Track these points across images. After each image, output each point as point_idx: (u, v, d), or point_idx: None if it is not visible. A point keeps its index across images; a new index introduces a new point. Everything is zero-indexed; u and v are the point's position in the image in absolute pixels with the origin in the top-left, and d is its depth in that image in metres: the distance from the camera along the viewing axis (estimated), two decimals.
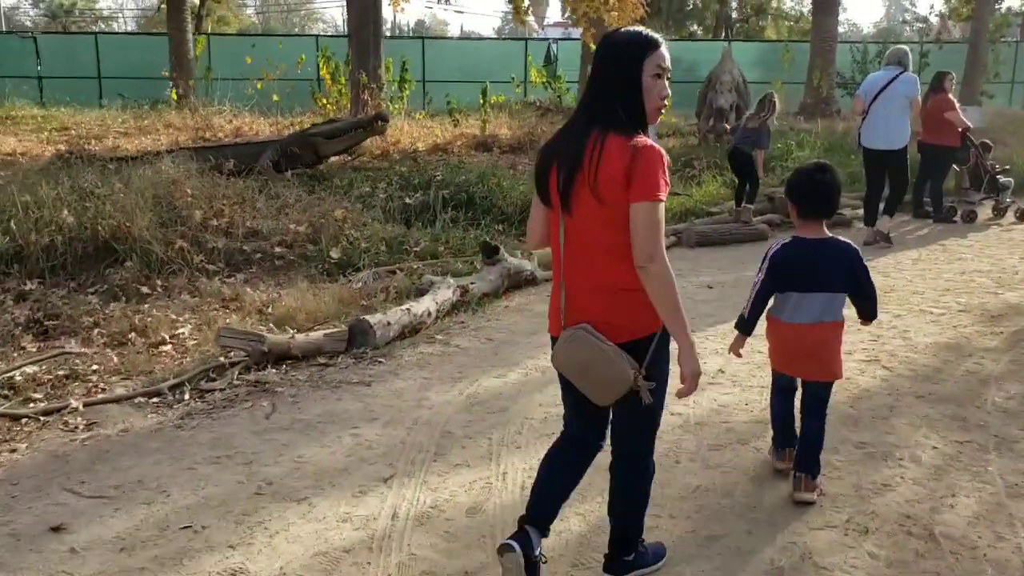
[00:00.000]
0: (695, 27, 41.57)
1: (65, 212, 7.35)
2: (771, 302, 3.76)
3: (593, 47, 21.04)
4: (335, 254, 7.75)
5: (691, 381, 2.72)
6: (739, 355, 3.90)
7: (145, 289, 6.96)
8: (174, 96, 17.89)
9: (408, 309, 6.22)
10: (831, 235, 3.69)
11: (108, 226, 7.39)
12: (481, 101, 17.19)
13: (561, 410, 3.18)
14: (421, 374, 5.57)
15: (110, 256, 7.43)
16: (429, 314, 6.39)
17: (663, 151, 2.66)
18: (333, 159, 13.99)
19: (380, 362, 5.76)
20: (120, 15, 51.42)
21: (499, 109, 20.47)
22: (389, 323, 6.01)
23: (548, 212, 2.86)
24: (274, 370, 5.55)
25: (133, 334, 5.99)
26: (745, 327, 3.78)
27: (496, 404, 5.07)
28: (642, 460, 3.03)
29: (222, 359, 5.60)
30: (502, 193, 10.23)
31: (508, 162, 14.57)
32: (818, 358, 3.70)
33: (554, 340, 2.94)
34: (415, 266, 7.70)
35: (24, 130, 17.57)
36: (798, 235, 3.70)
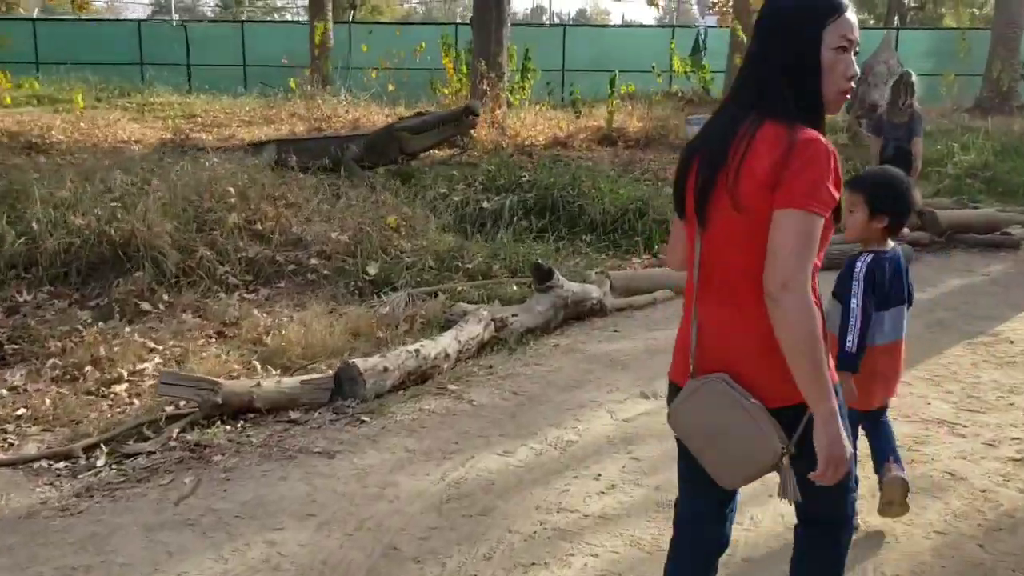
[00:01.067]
0: (865, 15, 38.28)
1: (73, 214, 6.46)
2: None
3: (741, 33, 19.13)
4: (372, 270, 6.57)
5: (831, 468, 1.99)
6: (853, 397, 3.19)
7: (146, 305, 5.99)
8: (292, 85, 17.22)
9: (416, 351, 4.94)
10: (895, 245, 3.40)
11: (121, 230, 6.45)
12: (609, 91, 15.67)
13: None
14: (405, 443, 4.29)
15: (127, 264, 6.51)
16: (446, 356, 5.10)
17: (834, 150, 2.00)
18: (436, 153, 12.93)
19: (363, 421, 4.51)
20: (293, 4, 52.12)
21: (635, 100, 18.88)
22: (386, 369, 4.75)
23: (685, 225, 2.25)
24: (228, 427, 4.40)
25: (90, 367, 4.97)
26: (855, 362, 3.18)
27: (480, 501, 3.73)
28: (838, 526, 2.34)
29: (167, 409, 4.50)
30: (597, 197, 8.78)
31: (627, 159, 13.06)
32: (897, 374, 3.47)
33: (675, 390, 2.24)
34: (460, 288, 6.41)
35: (153, 117, 17.36)
36: (874, 249, 3.31)
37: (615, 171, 11.97)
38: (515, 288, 6.44)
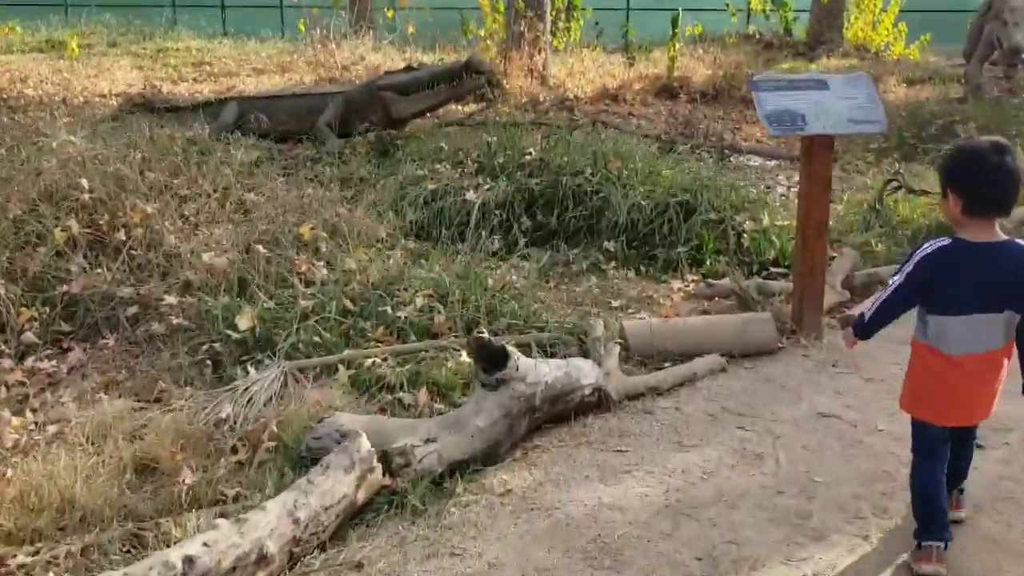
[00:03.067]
0: None
1: None
2: (929, 327, 2.68)
3: None
4: (242, 323, 3.97)
5: None
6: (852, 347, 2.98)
7: None
8: (301, 28, 14.58)
9: (188, 562, 2.37)
10: (1007, 237, 2.62)
11: None
12: (671, 33, 12.65)
13: None
14: None
15: None
16: (261, 559, 2.52)
17: None
18: (457, 108, 10.27)
19: None
20: None
21: (705, 43, 15.75)
22: None
23: None
24: None
25: None
26: (863, 331, 2.85)
27: None
28: None
29: None
30: (629, 184, 6.02)
31: (686, 117, 10.13)
32: (991, 394, 2.71)
33: None
34: (372, 360, 3.79)
35: (162, 64, 14.97)
36: (961, 237, 2.62)
37: (666, 137, 9.12)
38: (462, 362, 3.79)
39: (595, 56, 13.84)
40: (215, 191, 5.65)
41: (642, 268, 5.55)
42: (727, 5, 16.58)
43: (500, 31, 13.22)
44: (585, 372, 3.62)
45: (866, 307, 2.86)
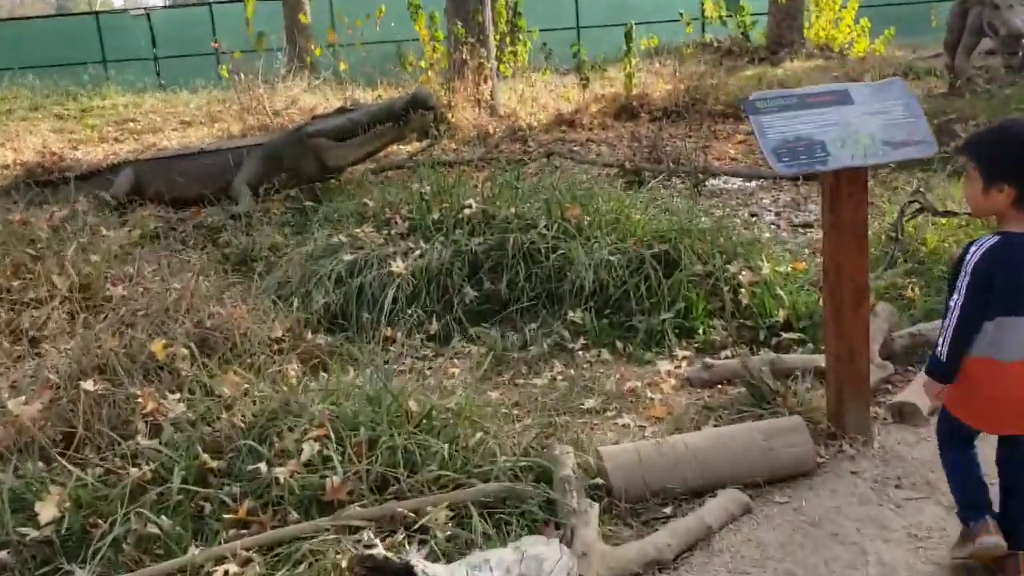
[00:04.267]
0: None
1: None
2: (985, 335, 2.35)
3: None
4: (46, 514, 2.61)
5: None
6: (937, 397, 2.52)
7: None
8: (223, 72, 13.27)
9: None
10: None
11: None
12: (625, 48, 11.46)
13: None
14: None
15: None
16: None
17: None
18: (399, 148, 9.04)
19: None
20: None
21: (662, 56, 14.63)
22: None
23: None
24: None
25: None
26: (945, 373, 2.42)
27: None
28: None
29: None
30: (593, 235, 4.76)
31: (651, 139, 8.93)
32: None
33: None
34: (230, 560, 2.48)
35: (84, 125, 13.60)
36: (1009, 231, 2.34)
37: (631, 166, 7.90)
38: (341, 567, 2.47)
39: (546, 80, 12.65)
40: (72, 291, 4.35)
41: (618, 344, 4.27)
42: (681, 14, 15.49)
43: (442, 60, 12.00)
44: (550, 563, 2.33)
45: (937, 348, 2.42)
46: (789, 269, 4.64)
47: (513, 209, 5.00)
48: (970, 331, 2.36)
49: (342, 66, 12.22)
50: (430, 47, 12.13)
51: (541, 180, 5.83)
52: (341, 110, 7.15)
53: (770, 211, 6.87)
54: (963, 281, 2.35)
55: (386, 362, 3.85)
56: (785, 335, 4.11)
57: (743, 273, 4.49)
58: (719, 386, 3.79)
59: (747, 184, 7.84)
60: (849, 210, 3.04)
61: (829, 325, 3.14)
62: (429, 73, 12.04)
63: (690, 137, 9.74)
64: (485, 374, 3.93)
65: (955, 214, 5.05)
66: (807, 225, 6.26)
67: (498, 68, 11.90)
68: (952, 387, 2.45)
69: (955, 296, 2.37)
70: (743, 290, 4.40)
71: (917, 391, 3.29)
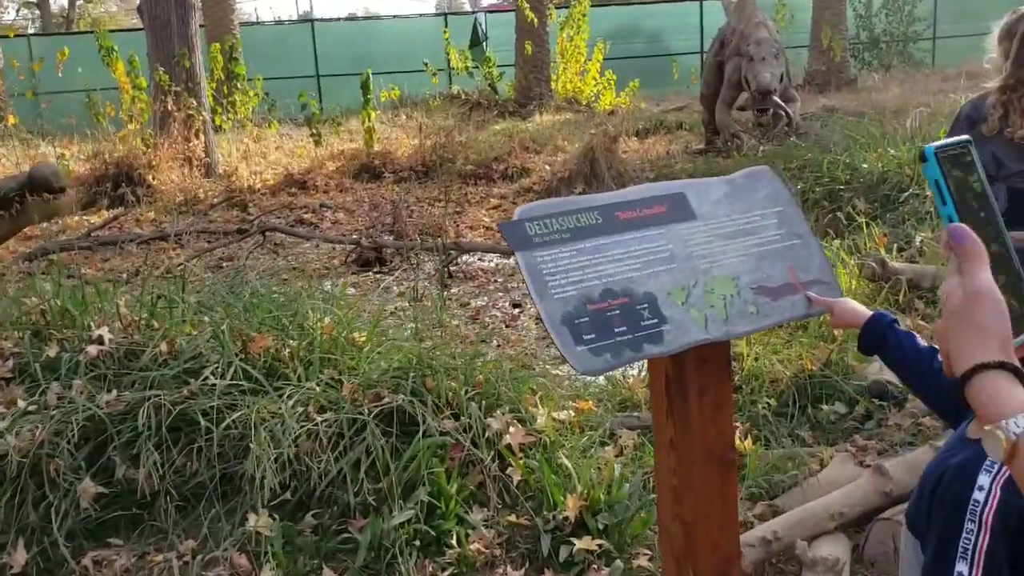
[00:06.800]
0: None
1: None
2: None
3: (530, 15, 13.64)
4: None
5: None
6: None
7: None
8: None
9: None
10: None
11: None
12: (363, 99, 9.91)
13: None
14: None
15: None
16: None
17: None
18: (85, 219, 6.95)
19: None
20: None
21: (407, 108, 13.26)
22: None
23: None
24: None
25: None
26: None
27: None
28: None
29: None
30: (291, 384, 3.09)
31: (389, 206, 7.43)
32: None
33: None
34: None
35: None
36: None
37: (368, 243, 6.35)
38: None
39: (274, 134, 10.83)
40: None
41: (326, 573, 2.62)
42: (426, 64, 14.23)
43: (145, 112, 9.85)
44: None
45: None
46: (572, 415, 3.21)
47: (164, 345, 3.21)
48: None
49: (11, 120, 9.71)
50: (131, 95, 9.93)
51: (232, 280, 4.07)
52: None
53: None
54: None
55: None
56: (578, 543, 2.63)
57: (511, 430, 3.00)
58: None
59: (505, 261, 6.48)
60: (702, 417, 1.60)
61: None
62: (131, 126, 9.85)
63: (439, 201, 8.33)
64: None
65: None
66: None
67: (213, 120, 9.93)
68: None
69: None
70: (512, 461, 2.90)
71: None
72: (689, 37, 18.58)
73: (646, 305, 1.49)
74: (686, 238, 1.61)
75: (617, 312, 1.46)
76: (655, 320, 1.49)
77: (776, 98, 7.87)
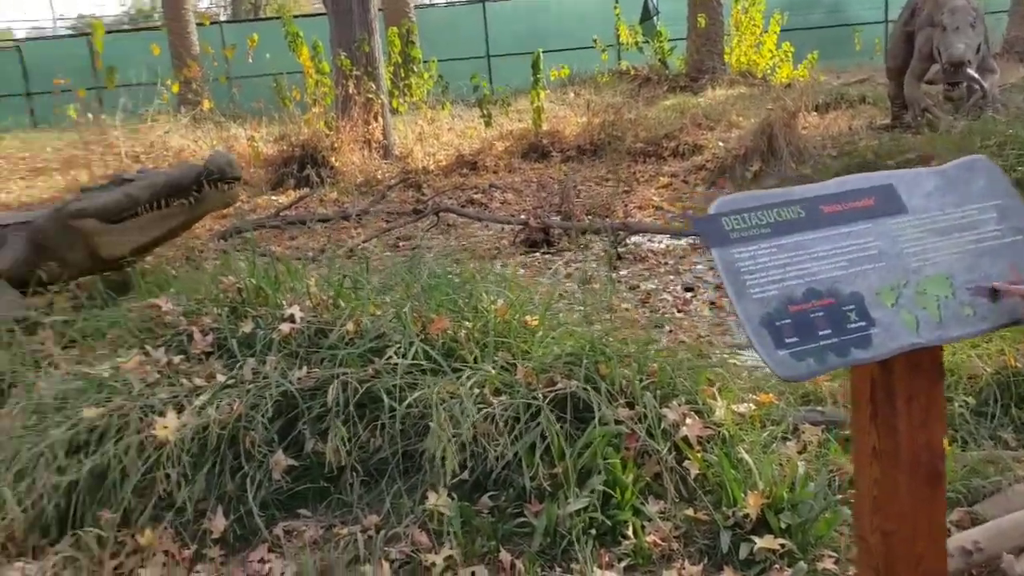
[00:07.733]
0: None
1: None
2: None
3: None
4: None
5: None
6: None
7: None
8: (72, 113, 11.36)
9: None
10: None
11: None
12: (532, 78, 9.97)
13: None
14: None
15: None
16: None
17: None
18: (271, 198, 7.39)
19: None
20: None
21: (575, 86, 13.22)
22: None
23: None
24: None
25: None
26: None
27: None
28: None
29: None
30: (468, 365, 3.16)
31: (561, 187, 7.41)
32: None
33: None
34: None
35: None
36: None
37: (536, 223, 6.38)
38: None
39: (446, 116, 11.07)
40: None
41: (503, 555, 2.67)
42: (595, 41, 14.11)
43: (327, 96, 10.32)
44: None
45: None
46: (752, 408, 3.11)
47: (350, 324, 3.35)
48: None
49: (206, 104, 10.43)
50: (314, 80, 10.44)
51: (411, 262, 4.20)
52: (117, 180, 5.18)
53: (708, 283, 5.38)
54: None
55: None
56: (759, 541, 2.55)
57: (688, 421, 2.94)
58: None
59: (676, 242, 6.36)
60: (910, 425, 1.49)
61: None
62: (315, 109, 10.36)
63: (607, 180, 8.27)
64: None
65: None
66: None
67: (391, 103, 10.28)
68: None
69: None
70: (689, 455, 2.84)
71: None
72: (873, 5, 17.47)
73: (852, 306, 1.41)
74: (896, 234, 1.50)
75: (821, 314, 1.39)
76: (862, 323, 1.40)
77: (970, 71, 7.26)
